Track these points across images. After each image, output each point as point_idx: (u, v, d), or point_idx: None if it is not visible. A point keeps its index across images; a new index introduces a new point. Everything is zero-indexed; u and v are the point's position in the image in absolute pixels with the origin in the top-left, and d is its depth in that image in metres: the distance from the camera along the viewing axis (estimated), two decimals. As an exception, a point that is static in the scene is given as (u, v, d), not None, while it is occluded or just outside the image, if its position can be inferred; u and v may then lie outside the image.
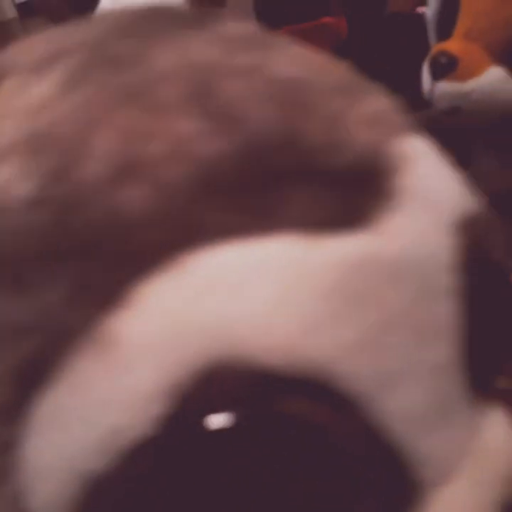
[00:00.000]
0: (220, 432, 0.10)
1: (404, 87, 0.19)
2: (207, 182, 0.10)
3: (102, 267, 0.10)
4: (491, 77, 0.38)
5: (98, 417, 0.10)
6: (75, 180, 0.10)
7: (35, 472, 0.11)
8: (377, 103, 0.13)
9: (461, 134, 0.40)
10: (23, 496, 0.11)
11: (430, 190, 0.13)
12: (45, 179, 0.10)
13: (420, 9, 0.62)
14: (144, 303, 0.10)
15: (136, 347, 0.10)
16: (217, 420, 0.10)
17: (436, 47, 0.42)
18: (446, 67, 0.40)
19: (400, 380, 0.11)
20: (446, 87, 0.40)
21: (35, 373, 0.10)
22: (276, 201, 0.11)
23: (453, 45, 0.40)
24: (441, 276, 0.12)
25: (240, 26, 0.13)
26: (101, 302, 0.10)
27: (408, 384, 0.11)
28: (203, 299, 0.10)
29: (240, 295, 0.10)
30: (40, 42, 0.13)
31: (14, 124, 0.11)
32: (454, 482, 0.12)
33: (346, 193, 0.11)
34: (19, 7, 1.62)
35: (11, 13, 1.65)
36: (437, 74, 0.40)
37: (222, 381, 0.10)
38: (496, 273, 0.14)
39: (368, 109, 0.13)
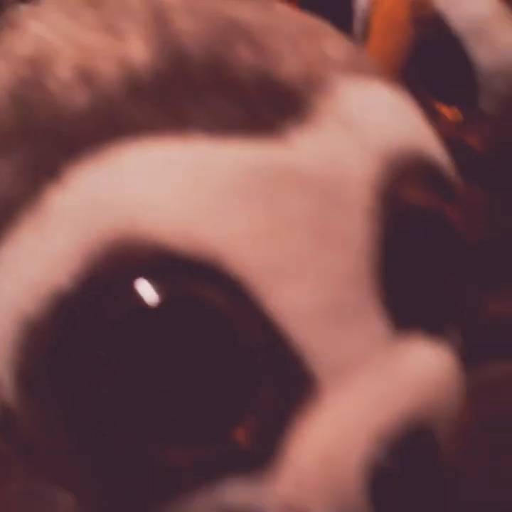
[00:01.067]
0: (124, 301, 0.12)
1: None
2: (136, 87, 0.12)
3: (46, 148, 0.12)
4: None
5: (31, 269, 0.12)
6: (43, 84, 0.13)
7: None
8: (330, 43, 0.15)
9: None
10: None
11: (362, 120, 0.14)
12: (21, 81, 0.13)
13: None
14: (72, 182, 0.12)
15: (62, 217, 0.12)
16: (123, 290, 0.12)
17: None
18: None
19: (294, 276, 0.12)
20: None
21: None
22: (192, 107, 0.12)
23: None
24: (354, 195, 0.13)
25: None
26: (41, 178, 0.12)
27: (303, 282, 0.12)
28: (118, 184, 0.12)
29: (149, 185, 0.12)
30: None
31: None
32: (351, 387, 0.13)
33: (259, 106, 0.13)
34: None
35: None
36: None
37: (127, 254, 0.12)
38: (415, 216, 0.14)
39: (313, 46, 0.15)
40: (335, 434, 0.12)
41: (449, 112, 0.33)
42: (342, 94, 0.14)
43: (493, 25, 0.30)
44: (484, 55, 0.30)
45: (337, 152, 0.13)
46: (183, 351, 0.12)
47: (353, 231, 0.13)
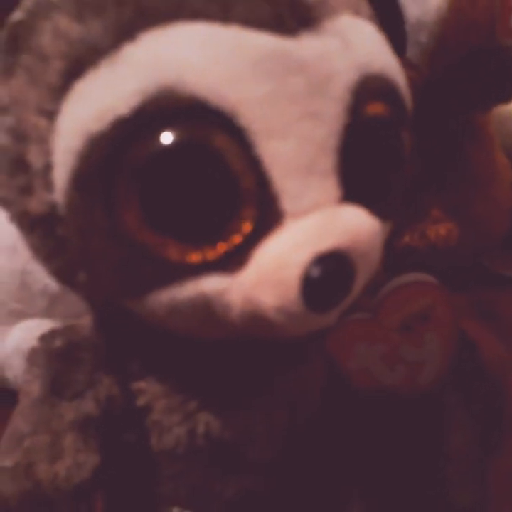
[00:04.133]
0: (165, 131, 0.17)
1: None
2: None
3: (129, 14, 0.17)
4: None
5: (101, 98, 0.17)
6: None
7: (60, 135, 0.18)
8: None
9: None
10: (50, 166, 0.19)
11: (354, 41, 0.20)
12: None
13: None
14: (143, 41, 0.17)
15: (131, 65, 0.17)
16: (165, 124, 0.18)
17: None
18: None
19: (283, 135, 0.18)
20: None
21: (77, 69, 0.18)
22: (236, 2, 0.18)
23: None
24: (336, 87, 0.19)
25: None
26: (121, 36, 0.17)
27: (288, 140, 0.18)
28: (173, 47, 0.17)
29: (195, 50, 0.17)
30: None
31: None
32: (305, 221, 0.19)
33: (285, 12, 0.18)
34: None
35: None
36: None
37: (171, 98, 0.17)
38: (373, 119, 0.20)
39: None
40: (287, 248, 0.18)
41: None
42: (343, 20, 0.20)
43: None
44: (412, 10, 0.36)
45: (331, 54, 0.19)
46: (198, 177, 0.18)
47: (330, 113, 0.19)
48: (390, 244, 0.47)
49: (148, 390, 0.25)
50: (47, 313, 0.42)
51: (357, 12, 0.21)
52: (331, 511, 0.31)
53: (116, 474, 0.27)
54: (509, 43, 0.30)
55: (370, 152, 0.20)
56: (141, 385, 0.25)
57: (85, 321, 0.26)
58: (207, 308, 0.19)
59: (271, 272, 0.18)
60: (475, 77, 0.37)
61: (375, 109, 0.20)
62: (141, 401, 0.25)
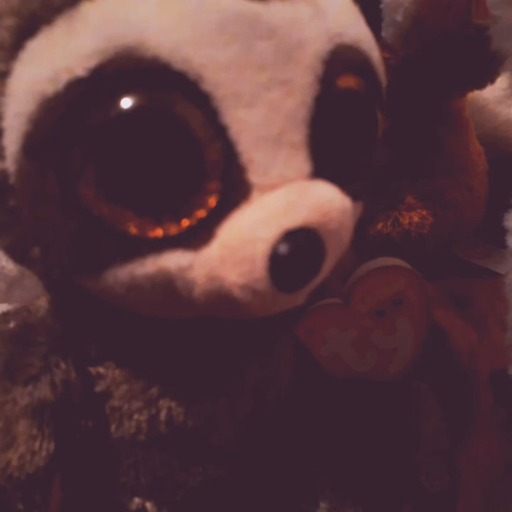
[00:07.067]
0: (123, 94, 0.16)
1: None
2: None
3: None
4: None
5: (56, 58, 0.16)
6: None
7: (11, 98, 0.17)
8: None
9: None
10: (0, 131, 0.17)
11: (328, 10, 0.19)
12: None
13: None
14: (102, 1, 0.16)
15: (89, 25, 0.16)
16: (124, 87, 0.16)
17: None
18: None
19: (251, 103, 0.17)
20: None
21: (30, 27, 0.16)
22: None
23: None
24: (306, 57, 0.18)
25: None
26: None
27: (256, 109, 0.17)
28: (135, 7, 0.16)
29: (159, 11, 0.16)
30: None
31: None
32: (273, 195, 0.18)
33: None
34: None
35: None
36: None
37: (132, 59, 0.16)
38: (344, 91, 0.19)
39: None
40: (254, 223, 0.17)
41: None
42: None
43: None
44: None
45: (302, 21, 0.18)
46: (159, 146, 0.16)
47: (301, 82, 0.18)
48: (363, 230, 0.47)
49: (107, 375, 0.24)
50: (5, 297, 0.41)
51: None
52: (299, 497, 0.30)
53: (74, 463, 0.25)
54: (485, 24, 0.30)
55: (341, 127, 0.19)
56: (100, 369, 0.24)
57: (41, 302, 0.25)
58: (168, 286, 0.18)
59: (236, 248, 0.17)
60: (450, 59, 0.37)
61: (348, 82, 0.19)
62: (99, 386, 0.24)
